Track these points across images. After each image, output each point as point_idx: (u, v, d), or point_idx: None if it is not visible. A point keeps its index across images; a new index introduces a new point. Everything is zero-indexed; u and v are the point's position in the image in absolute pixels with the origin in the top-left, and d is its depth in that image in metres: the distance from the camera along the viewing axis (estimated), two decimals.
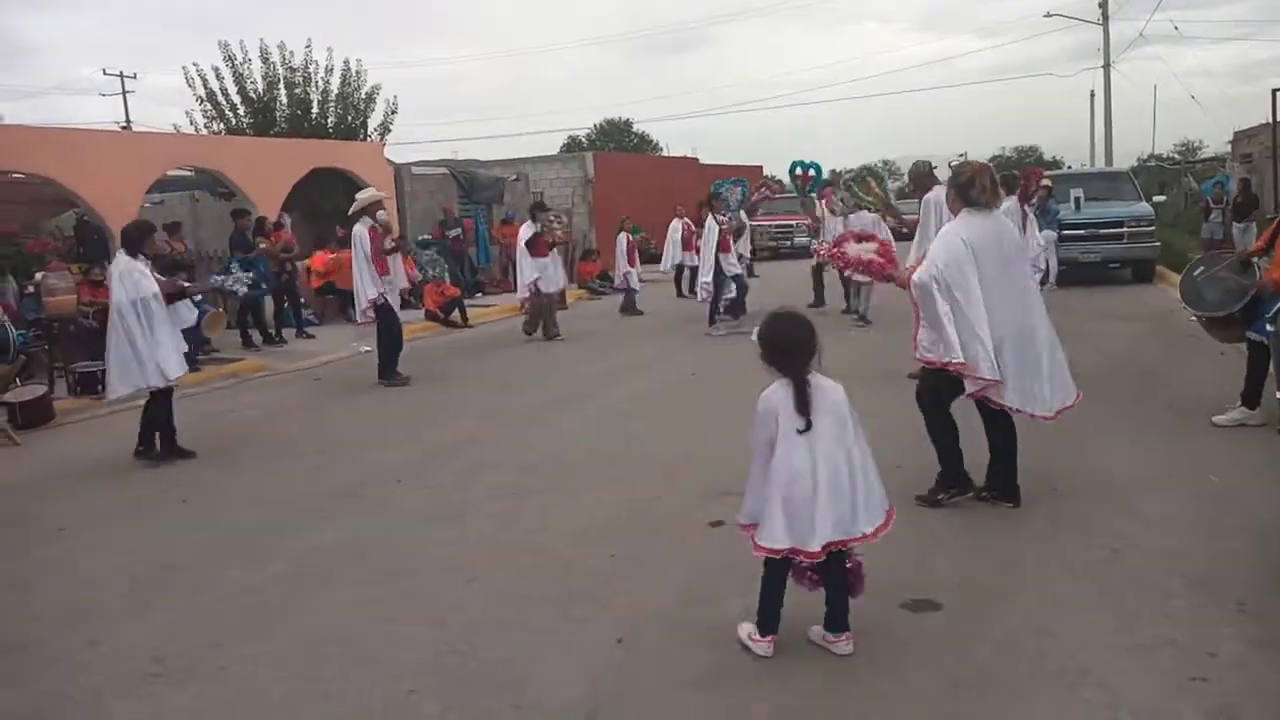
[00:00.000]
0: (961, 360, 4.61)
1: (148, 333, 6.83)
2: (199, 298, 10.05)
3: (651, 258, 20.16)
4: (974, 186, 4.75)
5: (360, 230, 9.64)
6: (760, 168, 37.33)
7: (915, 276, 4.73)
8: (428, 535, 5.10)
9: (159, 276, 7.11)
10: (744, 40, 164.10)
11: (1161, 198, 22.57)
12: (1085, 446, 6.00)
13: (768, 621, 3.50)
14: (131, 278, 6.83)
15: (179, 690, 3.53)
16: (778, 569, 3.48)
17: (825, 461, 3.37)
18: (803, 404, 3.37)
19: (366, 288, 9.58)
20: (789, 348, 3.45)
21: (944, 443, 4.96)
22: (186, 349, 7.41)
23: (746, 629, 3.56)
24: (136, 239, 7.08)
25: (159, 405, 7.06)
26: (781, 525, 3.36)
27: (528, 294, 12.74)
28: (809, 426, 3.37)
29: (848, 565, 3.49)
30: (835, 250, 5.30)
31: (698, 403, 8.17)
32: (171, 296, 7.03)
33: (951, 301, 4.61)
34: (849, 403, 3.47)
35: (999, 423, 4.91)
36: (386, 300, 9.66)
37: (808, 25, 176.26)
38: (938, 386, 4.88)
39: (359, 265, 9.59)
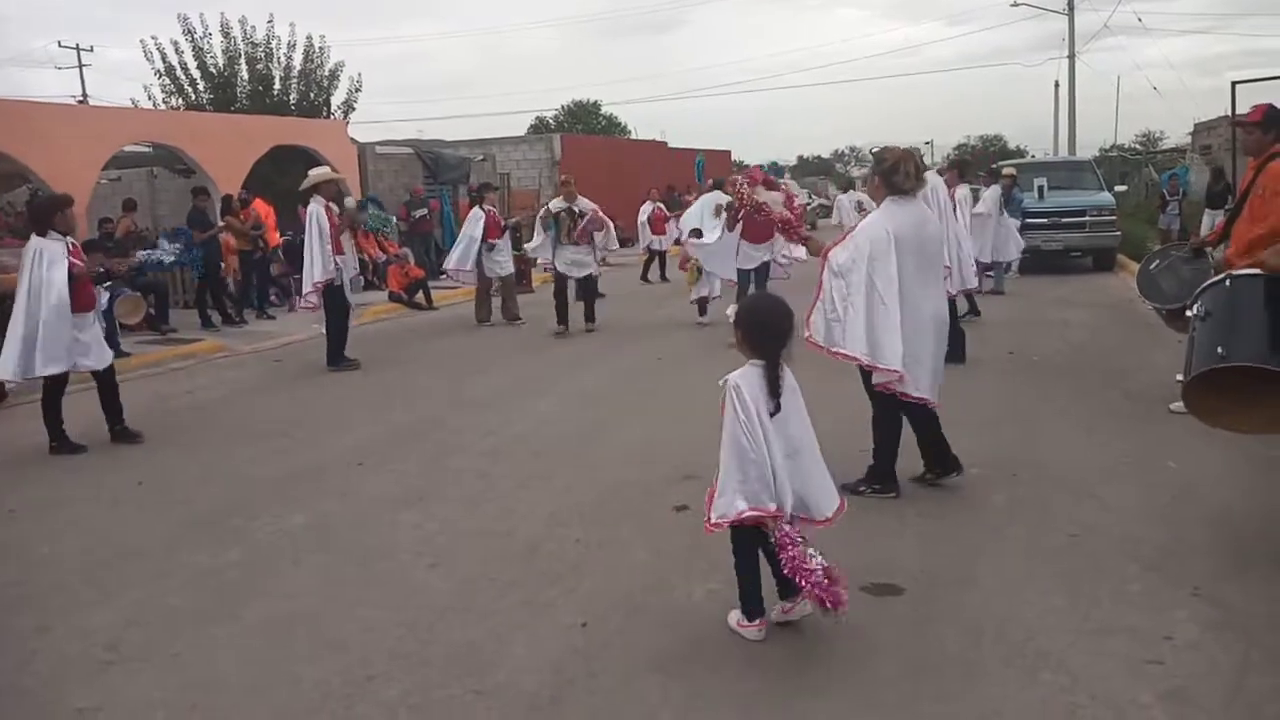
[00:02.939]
0: (861, 354, 4.60)
1: (50, 318, 6.38)
2: (109, 281, 9.69)
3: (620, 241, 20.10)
4: (898, 173, 4.70)
5: (316, 209, 9.34)
6: (729, 152, 37.36)
7: (833, 256, 4.71)
8: (391, 519, 5.05)
9: (76, 261, 6.58)
10: (715, 24, 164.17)
11: (1123, 187, 22.89)
12: (1045, 433, 6.08)
13: (751, 605, 3.50)
14: (44, 257, 6.36)
15: (135, 677, 3.47)
16: (746, 549, 3.49)
17: (790, 442, 3.44)
18: (775, 387, 3.40)
19: (314, 270, 9.25)
20: (768, 330, 3.47)
21: (884, 437, 4.95)
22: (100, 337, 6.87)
23: (735, 616, 3.56)
24: (44, 215, 6.49)
25: (55, 394, 6.64)
26: (742, 498, 3.37)
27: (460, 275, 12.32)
28: (779, 409, 3.40)
29: (824, 575, 3.38)
30: (745, 192, 5.12)
31: (663, 387, 8.16)
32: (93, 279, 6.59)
33: (867, 290, 4.59)
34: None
35: (913, 410, 4.91)
36: (340, 282, 9.38)
37: (780, 9, 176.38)
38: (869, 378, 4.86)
39: (311, 246, 9.27)
